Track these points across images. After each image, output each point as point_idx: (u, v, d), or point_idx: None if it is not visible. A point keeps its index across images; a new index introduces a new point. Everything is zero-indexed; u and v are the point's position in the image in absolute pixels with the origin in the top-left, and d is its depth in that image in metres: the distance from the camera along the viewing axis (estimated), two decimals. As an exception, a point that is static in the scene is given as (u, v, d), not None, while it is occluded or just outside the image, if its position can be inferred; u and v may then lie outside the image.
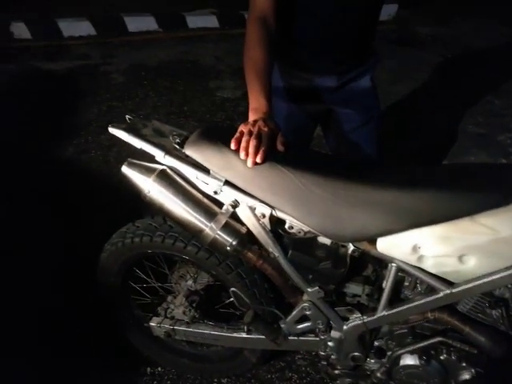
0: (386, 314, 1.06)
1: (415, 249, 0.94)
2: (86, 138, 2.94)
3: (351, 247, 1.01)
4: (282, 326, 1.18)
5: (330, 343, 1.17)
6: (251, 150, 0.95)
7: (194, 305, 1.36)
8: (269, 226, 1.04)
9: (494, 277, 0.92)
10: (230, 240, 1.03)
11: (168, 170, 1.06)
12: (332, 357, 1.20)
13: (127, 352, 1.60)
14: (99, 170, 2.64)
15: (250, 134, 0.98)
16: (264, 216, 1.03)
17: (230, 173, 1.00)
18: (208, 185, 1.04)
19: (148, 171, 1.06)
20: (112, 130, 1.09)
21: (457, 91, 3.57)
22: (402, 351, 1.10)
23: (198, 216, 1.04)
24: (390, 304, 1.06)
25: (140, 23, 4.78)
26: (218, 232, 1.03)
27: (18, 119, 3.06)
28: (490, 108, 3.34)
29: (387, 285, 1.03)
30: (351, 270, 1.08)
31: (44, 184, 2.40)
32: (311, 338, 1.21)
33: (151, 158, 1.08)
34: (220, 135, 1.05)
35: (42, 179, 2.44)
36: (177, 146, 1.07)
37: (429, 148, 2.86)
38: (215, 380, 1.58)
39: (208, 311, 1.42)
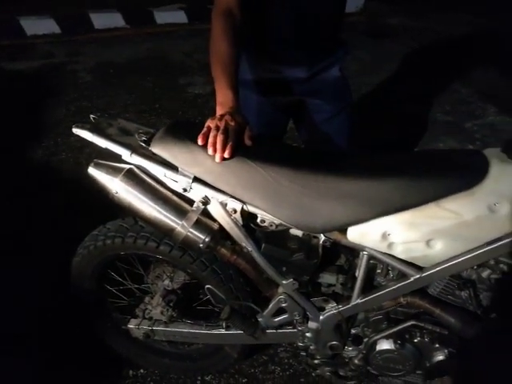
0: (360, 301, 1.07)
1: (384, 236, 0.96)
2: (55, 139, 2.87)
3: (322, 238, 1.02)
4: (260, 319, 1.18)
5: (307, 334, 1.18)
6: (219, 145, 0.95)
7: (171, 304, 1.35)
8: (241, 221, 1.04)
9: (460, 259, 0.94)
10: (203, 237, 1.02)
11: (135, 169, 1.04)
12: (311, 347, 1.21)
13: (107, 355, 1.57)
14: (71, 172, 2.58)
15: (217, 128, 0.97)
16: (235, 211, 1.02)
17: (199, 169, 0.99)
18: (177, 182, 1.03)
19: (115, 171, 1.04)
20: (76, 131, 1.06)
21: (425, 81, 3.65)
22: (378, 337, 1.12)
23: (168, 214, 1.02)
24: (364, 292, 1.07)
25: (106, 20, 4.68)
26: (190, 229, 1.02)
27: (-18, 123, 2.96)
28: (457, 96, 3.43)
29: (360, 273, 1.04)
30: (325, 261, 1.10)
31: (14, 188, 2.33)
32: (289, 329, 1.21)
33: (120, 158, 1.06)
34: (187, 131, 1.04)
35: (10, 183, 2.36)
36: (143, 144, 1.06)
37: (400, 137, 2.92)
38: (199, 378, 1.58)
39: (186, 310, 1.41)
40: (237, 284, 1.24)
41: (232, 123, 0.99)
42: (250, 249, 1.05)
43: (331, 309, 1.12)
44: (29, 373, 1.52)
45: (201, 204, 1.02)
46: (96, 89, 3.55)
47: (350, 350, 1.20)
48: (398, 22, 5.18)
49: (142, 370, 1.59)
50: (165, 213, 1.03)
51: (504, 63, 3.74)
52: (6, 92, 3.39)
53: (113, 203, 1.07)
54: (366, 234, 0.97)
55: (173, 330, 1.34)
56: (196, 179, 1.01)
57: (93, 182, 1.06)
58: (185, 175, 1.01)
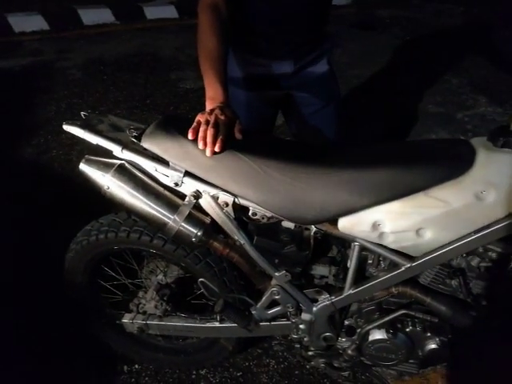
0: (353, 292, 1.08)
1: (375, 226, 0.96)
2: (45, 137, 2.85)
3: (314, 229, 1.03)
4: (253, 312, 1.19)
5: (301, 326, 1.19)
6: (209, 139, 0.95)
7: (165, 298, 1.35)
8: (232, 214, 1.04)
9: (450, 247, 0.96)
10: (195, 231, 1.03)
11: (126, 165, 1.05)
12: (304, 339, 1.22)
13: (102, 351, 1.58)
14: (62, 169, 2.57)
15: (207, 123, 0.98)
16: (227, 204, 1.03)
17: (190, 163, 1.00)
18: (168, 177, 1.03)
19: (106, 167, 1.04)
20: (67, 128, 1.06)
21: (416, 72, 3.66)
22: (370, 327, 1.13)
23: (160, 209, 1.03)
24: (356, 282, 1.08)
25: (95, 16, 4.64)
26: (182, 224, 1.02)
27: (-29, 121, 2.93)
28: (448, 87, 3.44)
29: (351, 264, 1.05)
30: (317, 252, 1.11)
31: (4, 186, 2.31)
32: (283, 322, 1.22)
33: (111, 154, 1.06)
34: (177, 126, 1.04)
35: (0, 181, 2.34)
36: (134, 140, 1.06)
37: (391, 128, 2.93)
38: (193, 372, 1.58)
39: (180, 304, 1.42)
40: (230, 277, 1.24)
41: (222, 117, 1.00)
42: (242, 242, 1.06)
43: (324, 300, 1.12)
44: (23, 369, 1.52)
45: (192, 198, 1.03)
46: (86, 86, 3.52)
47: (343, 341, 1.21)
48: (388, 13, 5.19)
49: (136, 366, 1.59)
50: (157, 207, 1.03)
51: (495, 54, 3.76)
52: (-6, 90, 3.36)
53: (105, 199, 1.07)
54: (356, 225, 0.97)
55: (167, 323, 1.34)
56: (187, 173, 1.01)
57: (84, 178, 1.06)
58: (176, 170, 1.02)
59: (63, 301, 1.45)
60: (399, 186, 0.93)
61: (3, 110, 3.07)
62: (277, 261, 1.08)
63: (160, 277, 1.44)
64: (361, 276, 1.10)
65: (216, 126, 0.97)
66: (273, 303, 1.17)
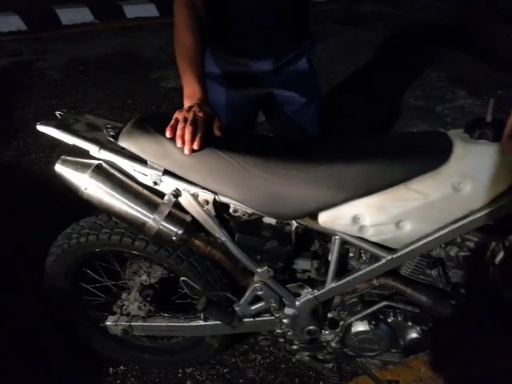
0: (335, 285, 1.09)
1: (355, 220, 0.97)
2: (25, 140, 2.80)
3: (295, 224, 1.03)
4: (237, 308, 1.19)
5: (284, 320, 1.19)
6: (187, 136, 0.94)
7: (148, 299, 1.34)
8: (213, 212, 1.04)
9: (429, 239, 0.97)
10: (175, 230, 1.02)
11: (104, 165, 1.03)
12: (288, 333, 1.23)
13: (86, 354, 1.57)
14: (42, 172, 2.52)
15: (186, 120, 0.97)
16: (207, 202, 1.02)
17: (168, 162, 0.99)
18: (147, 176, 1.02)
19: (83, 167, 1.03)
20: (41, 128, 1.04)
21: (398, 67, 3.70)
22: (353, 319, 1.14)
23: (139, 208, 1.02)
24: (338, 276, 1.09)
25: (74, 15, 4.56)
26: (162, 223, 1.01)
27: None
28: (428, 81, 3.49)
29: (333, 257, 1.06)
30: (299, 247, 1.11)
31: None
32: (266, 317, 1.22)
33: (88, 154, 1.04)
34: (155, 124, 1.03)
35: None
36: (111, 139, 1.04)
37: (373, 123, 2.96)
38: (180, 371, 1.58)
39: (165, 304, 1.41)
40: (214, 276, 1.24)
41: (200, 114, 0.99)
42: (223, 239, 1.06)
43: (307, 294, 1.13)
44: (4, 373, 1.50)
45: (172, 197, 1.02)
46: (66, 86, 3.47)
47: (327, 334, 1.22)
48: (370, 9, 5.23)
49: (122, 367, 1.58)
50: (136, 207, 1.02)
51: (472, 48, 3.83)
52: (-29, 92, 3.29)
53: (84, 201, 1.05)
54: (336, 219, 0.98)
55: (151, 324, 1.33)
56: (166, 172, 1.01)
57: (61, 179, 1.04)
58: (154, 168, 1.01)
59: (45, 304, 1.43)
60: (378, 180, 0.94)
61: (-19, 113, 3.01)
62: (259, 257, 1.08)
63: (143, 277, 1.43)
64: (343, 269, 1.11)
65: (194, 123, 0.97)
66: (256, 299, 1.17)
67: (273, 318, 1.21)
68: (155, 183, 1.02)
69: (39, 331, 1.62)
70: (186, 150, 0.95)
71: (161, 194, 1.04)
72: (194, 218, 1.05)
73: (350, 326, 1.16)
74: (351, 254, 1.11)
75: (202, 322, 1.27)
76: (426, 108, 3.13)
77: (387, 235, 0.99)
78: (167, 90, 3.40)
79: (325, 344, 1.24)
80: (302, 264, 1.13)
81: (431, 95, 3.28)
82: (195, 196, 1.02)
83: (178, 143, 0.95)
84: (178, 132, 0.95)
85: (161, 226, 1.01)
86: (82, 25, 4.57)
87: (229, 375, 1.57)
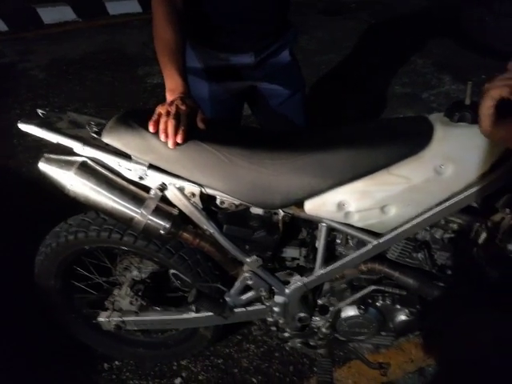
0: (323, 272, 1.11)
1: (340, 206, 0.98)
2: (10, 141, 2.77)
3: (281, 213, 1.04)
4: (227, 299, 1.20)
5: (275, 308, 1.21)
6: (170, 130, 0.94)
7: (139, 293, 1.35)
8: (200, 205, 1.04)
9: (414, 222, 0.99)
10: (163, 223, 1.02)
11: (89, 161, 1.03)
12: (280, 321, 1.24)
13: (80, 351, 1.57)
14: (29, 173, 2.51)
15: (168, 114, 0.97)
16: (194, 195, 1.03)
17: (153, 156, 0.99)
18: (132, 171, 1.02)
19: (68, 164, 1.02)
20: (22, 126, 1.03)
21: (384, 55, 3.70)
22: (342, 304, 1.16)
23: (126, 204, 1.02)
24: (326, 262, 1.11)
25: (56, 14, 4.49)
26: (150, 217, 1.02)
27: None
28: (414, 68, 3.50)
29: (320, 244, 1.07)
30: (287, 236, 1.12)
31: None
32: (257, 306, 1.24)
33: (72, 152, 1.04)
34: (138, 119, 1.03)
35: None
36: (95, 136, 1.04)
37: (361, 112, 2.97)
38: (174, 363, 1.59)
39: (157, 298, 1.41)
40: (204, 268, 1.25)
41: (183, 107, 0.99)
42: (212, 231, 1.06)
43: (296, 282, 1.14)
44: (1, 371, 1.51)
45: (158, 191, 1.02)
46: (51, 86, 3.43)
47: (317, 320, 1.24)
48: (354, -1, 5.21)
49: (116, 362, 1.59)
50: (122, 202, 1.02)
51: (456, 34, 3.84)
52: (-46, 94, 3.24)
53: (69, 198, 1.05)
54: (322, 206, 0.99)
55: (143, 318, 1.34)
56: (151, 166, 1.01)
57: (45, 177, 1.04)
58: (139, 163, 1.01)
59: (37, 302, 1.42)
60: (361, 166, 0.95)
61: (-35, 116, 2.97)
62: (247, 247, 1.09)
63: (135, 273, 1.43)
64: (331, 256, 1.13)
65: (177, 116, 0.96)
66: (246, 288, 1.18)
67: (264, 306, 1.22)
68: (141, 178, 1.02)
69: (33, 329, 1.62)
70: (170, 144, 0.95)
71: (147, 189, 1.04)
72: (181, 212, 1.05)
73: (339, 311, 1.18)
74: (338, 241, 1.12)
75: (193, 314, 1.28)
76: (412, 95, 3.15)
77: (373, 220, 1.00)
78: (153, 86, 3.37)
79: (316, 330, 1.26)
80: (290, 252, 1.14)
81: (417, 82, 3.29)
82: (181, 189, 1.03)
83: (162, 137, 0.95)
84: (161, 126, 0.95)
85: (148, 221, 1.02)
86: (64, 23, 4.51)
87: (223, 365, 1.58)
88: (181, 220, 1.06)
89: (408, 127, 1.01)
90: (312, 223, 1.11)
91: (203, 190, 1.02)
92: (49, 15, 4.48)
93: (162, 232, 1.03)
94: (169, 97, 1.06)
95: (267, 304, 1.20)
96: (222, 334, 1.54)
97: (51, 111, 1.13)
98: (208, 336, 1.45)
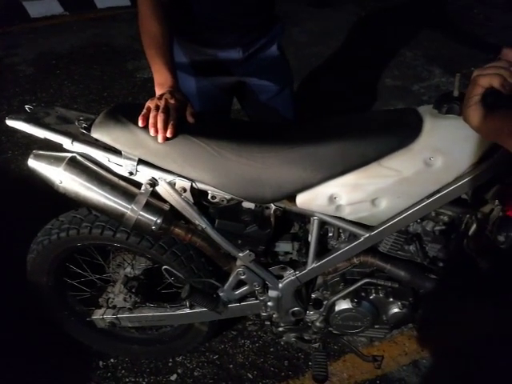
0: (316, 265, 1.11)
1: (331, 199, 0.98)
2: (-1, 138, 2.73)
3: (273, 207, 1.04)
4: (221, 294, 1.20)
5: (269, 303, 1.21)
6: (160, 124, 0.93)
7: (133, 290, 1.35)
8: (191, 199, 1.04)
9: (405, 214, 0.99)
10: (154, 219, 1.02)
11: (78, 157, 1.02)
12: (274, 316, 1.25)
13: (75, 349, 1.56)
14: (19, 170, 2.48)
15: (157, 108, 0.96)
16: (185, 190, 1.02)
17: (143, 151, 0.98)
18: (122, 166, 1.01)
19: (57, 160, 1.01)
20: (10, 122, 1.02)
21: (374, 48, 3.69)
22: (336, 298, 1.16)
23: (116, 199, 1.01)
24: (318, 256, 1.11)
25: (42, 7, 4.41)
26: (141, 213, 1.01)
27: None
28: (404, 60, 3.50)
29: (312, 238, 1.07)
30: (279, 230, 1.12)
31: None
32: (251, 301, 1.24)
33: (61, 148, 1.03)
34: (127, 114, 1.01)
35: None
36: (84, 131, 1.03)
37: (351, 105, 2.96)
38: (170, 360, 1.59)
39: (151, 294, 1.41)
40: (198, 263, 1.24)
41: (172, 101, 0.98)
42: (203, 226, 1.06)
43: (289, 276, 1.14)
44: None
45: (149, 186, 1.02)
46: (39, 81, 3.38)
47: (311, 314, 1.25)
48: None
49: (112, 360, 1.59)
50: (113, 198, 1.01)
51: (446, 25, 3.85)
52: None
53: (60, 194, 1.04)
54: (313, 199, 0.99)
55: (137, 315, 1.33)
56: (141, 161, 1.00)
57: (35, 174, 1.03)
58: (129, 158, 1.00)
59: (30, 301, 1.41)
60: (352, 159, 0.95)
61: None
62: (240, 241, 1.08)
63: (128, 269, 1.43)
64: (323, 249, 1.13)
65: (166, 110, 0.96)
66: (240, 283, 1.18)
67: (257, 301, 1.22)
68: (131, 173, 1.01)
69: (26, 328, 1.61)
70: (160, 138, 0.94)
71: (137, 184, 1.04)
72: (172, 207, 1.05)
73: (333, 304, 1.18)
74: (330, 234, 1.12)
75: (187, 310, 1.28)
76: (402, 87, 3.15)
77: (364, 213, 1.00)
78: (143, 81, 3.34)
79: (310, 324, 1.27)
80: (283, 246, 1.14)
81: (408, 74, 3.30)
82: (172, 184, 1.02)
83: (151, 132, 0.94)
84: (151, 120, 0.94)
85: (139, 216, 1.01)
86: (51, 17, 4.43)
87: (218, 361, 1.59)
88: (172, 215, 1.05)
89: (397, 119, 1.01)
90: (304, 217, 1.11)
91: (194, 184, 1.02)
92: (35, 9, 4.40)
93: (153, 227, 1.02)
94: (158, 91, 1.05)
95: (261, 299, 1.20)
96: (217, 329, 1.55)
97: (38, 106, 1.11)
98: (203, 332, 1.45)
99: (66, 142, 1.01)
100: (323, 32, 4.02)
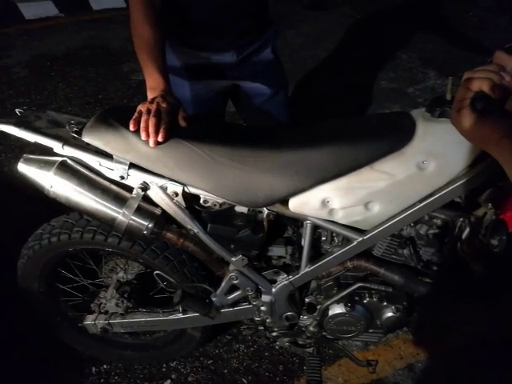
0: (309, 269, 1.10)
1: (324, 203, 0.98)
2: (-9, 141, 2.71)
3: (266, 211, 1.03)
4: (214, 299, 1.19)
5: (262, 308, 1.20)
6: (151, 128, 0.93)
7: (125, 295, 1.33)
8: (183, 204, 1.03)
9: (398, 218, 0.98)
10: (146, 223, 1.01)
11: (69, 161, 1.01)
12: (267, 320, 1.24)
13: (68, 355, 1.54)
14: (12, 173, 2.45)
15: (149, 112, 0.95)
16: (177, 194, 1.01)
17: (134, 155, 0.97)
18: (113, 170, 1.00)
19: (47, 165, 1.00)
20: (0, 126, 1.00)
21: (369, 50, 3.70)
22: (329, 302, 1.15)
23: (107, 204, 1.00)
24: (312, 260, 1.10)
25: (37, 9, 4.40)
26: (132, 217, 1.00)
27: None
28: (399, 63, 3.51)
29: (305, 242, 1.06)
30: (273, 234, 1.11)
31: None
32: (244, 306, 1.23)
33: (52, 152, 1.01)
34: (119, 117, 1.00)
35: None
36: (75, 135, 1.02)
37: (347, 107, 2.97)
38: (164, 365, 1.58)
39: (144, 299, 1.40)
40: (190, 268, 1.23)
41: (164, 105, 0.97)
42: (196, 230, 1.05)
43: (282, 280, 1.14)
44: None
45: (140, 190, 1.01)
46: (33, 84, 3.36)
47: (305, 319, 1.24)
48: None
49: (105, 366, 1.57)
50: (104, 203, 1.00)
51: (441, 28, 3.86)
52: None
53: (50, 199, 1.03)
54: (306, 203, 0.98)
55: (130, 320, 1.32)
56: (132, 165, 0.99)
57: (25, 178, 1.02)
58: (120, 162, 0.99)
59: (21, 306, 1.39)
60: (344, 163, 0.95)
61: None
62: (233, 246, 1.07)
63: (120, 274, 1.41)
64: (316, 254, 1.12)
65: (158, 114, 0.95)
66: (233, 288, 1.17)
67: (250, 306, 1.21)
68: (122, 177, 1.00)
69: (17, 333, 1.59)
70: (151, 143, 0.93)
71: (129, 189, 1.03)
72: (164, 211, 1.04)
73: (326, 309, 1.17)
74: (324, 238, 1.12)
75: (180, 315, 1.27)
76: (398, 90, 3.16)
77: (357, 217, 1.00)
78: (138, 83, 3.33)
79: (304, 329, 1.26)
80: (276, 251, 1.13)
81: (403, 77, 3.30)
82: (164, 188, 1.01)
83: (143, 136, 0.93)
84: (142, 124, 0.94)
85: (131, 221, 1.00)
86: (46, 19, 4.41)
87: (213, 366, 1.57)
88: (164, 220, 1.04)
89: (390, 123, 1.00)
90: (297, 221, 1.11)
91: (186, 188, 1.01)
92: (30, 10, 4.38)
93: (144, 232, 1.01)
94: (150, 95, 1.04)
95: (254, 303, 1.20)
96: (212, 334, 1.54)
97: (29, 110, 1.10)
98: (197, 337, 1.44)
99: (56, 145, 1.00)
100: (318, 34, 4.03)
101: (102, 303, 1.37)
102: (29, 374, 1.53)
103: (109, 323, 1.33)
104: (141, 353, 1.55)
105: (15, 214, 2.08)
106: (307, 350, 1.32)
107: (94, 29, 4.25)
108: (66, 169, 1.00)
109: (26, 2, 4.38)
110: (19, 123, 1.01)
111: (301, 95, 3.08)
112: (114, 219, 1.01)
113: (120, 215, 1.00)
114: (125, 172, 0.99)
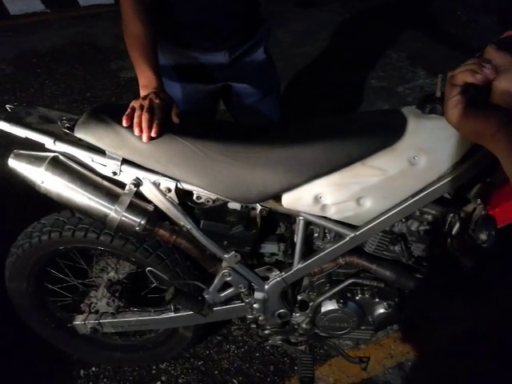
0: (302, 266, 1.11)
1: (317, 199, 0.98)
2: (-23, 139, 2.66)
3: (259, 207, 1.03)
4: (206, 296, 1.19)
5: (255, 305, 1.20)
6: (144, 124, 0.92)
7: (116, 295, 1.32)
8: (176, 200, 1.03)
9: (390, 214, 1.00)
10: (138, 220, 1.00)
11: (60, 157, 1.00)
12: (260, 318, 1.24)
13: (55, 357, 1.53)
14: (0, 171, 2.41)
15: (142, 108, 0.95)
16: (170, 190, 1.01)
17: (127, 151, 0.96)
18: (106, 166, 0.99)
19: (38, 160, 0.99)
20: None
21: (358, 48, 3.72)
22: (322, 299, 1.16)
23: (99, 200, 0.99)
24: (304, 257, 1.10)
25: (23, 4, 4.32)
26: (124, 213, 0.99)
27: None
28: (389, 61, 3.53)
29: (298, 238, 1.07)
30: (265, 230, 1.11)
31: None
32: (237, 303, 1.23)
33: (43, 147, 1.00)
34: (111, 113, 1.00)
35: None
36: (67, 131, 1.00)
37: (337, 105, 2.98)
38: (153, 367, 1.56)
39: (136, 299, 1.39)
40: (183, 267, 1.22)
41: (157, 101, 0.97)
42: (188, 227, 1.05)
43: (275, 277, 1.14)
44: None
45: (133, 186, 1.00)
46: (19, 81, 3.31)
47: (297, 316, 1.24)
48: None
49: (93, 368, 1.55)
50: (96, 199, 0.99)
51: (430, 27, 3.90)
52: None
53: (41, 196, 1.02)
54: (299, 199, 0.99)
55: (121, 320, 1.31)
56: (125, 161, 0.98)
57: (15, 174, 1.00)
58: (113, 158, 0.98)
59: (8, 306, 1.37)
60: (336, 158, 0.95)
61: None
62: (225, 242, 1.07)
63: (111, 274, 1.40)
64: (309, 250, 1.13)
65: (151, 110, 0.94)
66: (225, 285, 1.17)
67: (243, 303, 1.21)
68: (114, 173, 1.00)
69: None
70: (144, 138, 0.92)
71: (121, 185, 1.02)
72: (157, 207, 1.03)
73: (319, 306, 1.18)
74: (316, 235, 1.12)
75: (172, 314, 1.26)
76: (387, 89, 3.18)
77: (349, 213, 1.01)
78: (127, 81, 3.30)
79: (296, 326, 1.26)
80: (269, 247, 1.13)
81: (393, 76, 3.33)
82: (156, 184, 1.00)
83: (136, 131, 0.92)
84: (135, 120, 0.93)
85: (123, 217, 0.99)
86: (32, 14, 4.34)
87: (203, 367, 1.56)
88: (157, 216, 1.04)
89: (382, 120, 1.01)
90: (290, 217, 1.11)
91: (179, 184, 1.00)
92: (15, 5, 4.30)
93: (137, 229, 1.01)
94: (142, 92, 1.04)
95: (246, 301, 1.19)
96: (202, 335, 1.52)
97: (20, 106, 1.09)
98: (188, 337, 1.43)
99: (48, 141, 0.98)
100: (308, 32, 4.04)
101: (92, 302, 1.35)
102: (15, 377, 1.50)
103: (99, 323, 1.32)
104: (130, 354, 1.53)
105: (3, 211, 2.05)
106: (299, 347, 1.33)
107: (81, 25, 4.20)
108: (57, 164, 0.99)
109: (10, -3, 4.30)
110: (10, 118, 0.99)
111: (290, 93, 3.08)
112: (106, 216, 1.00)
113: (112, 212, 0.99)
114: (117, 168, 0.98)
